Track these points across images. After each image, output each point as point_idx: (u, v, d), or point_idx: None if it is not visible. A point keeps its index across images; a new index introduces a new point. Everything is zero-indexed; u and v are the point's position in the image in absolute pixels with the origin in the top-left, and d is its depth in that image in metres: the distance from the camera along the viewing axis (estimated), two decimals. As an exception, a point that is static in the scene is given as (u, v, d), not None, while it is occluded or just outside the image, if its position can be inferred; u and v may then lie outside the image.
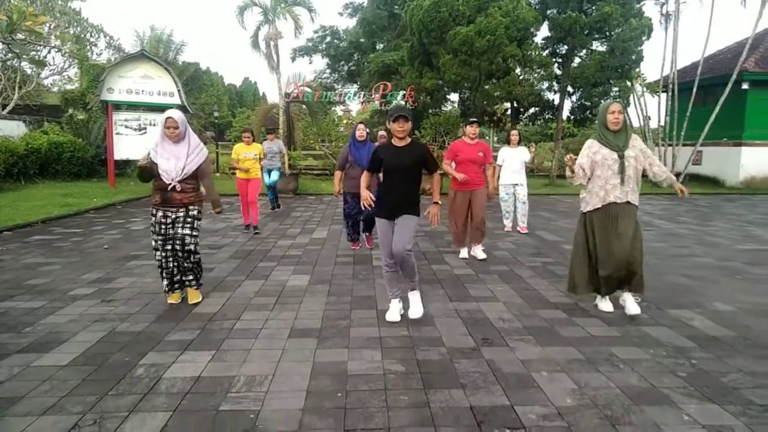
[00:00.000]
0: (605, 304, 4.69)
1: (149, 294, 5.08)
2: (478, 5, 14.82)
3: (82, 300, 4.88)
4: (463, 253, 6.84)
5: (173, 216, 4.60)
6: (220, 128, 44.04)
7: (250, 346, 3.78)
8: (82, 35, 22.36)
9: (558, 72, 16.98)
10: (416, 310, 4.49)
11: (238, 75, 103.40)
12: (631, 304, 4.57)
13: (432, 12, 14.75)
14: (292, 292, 5.21)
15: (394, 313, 4.44)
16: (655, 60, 75.62)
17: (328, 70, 29.31)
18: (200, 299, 4.86)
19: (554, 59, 16.96)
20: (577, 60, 17.03)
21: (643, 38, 15.21)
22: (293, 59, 27.80)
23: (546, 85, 17.12)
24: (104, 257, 6.73)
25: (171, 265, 4.65)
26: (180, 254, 4.62)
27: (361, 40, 26.19)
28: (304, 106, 21.68)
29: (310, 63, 44.87)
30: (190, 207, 4.64)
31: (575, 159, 4.57)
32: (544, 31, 17.27)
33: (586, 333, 4.11)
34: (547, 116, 18.71)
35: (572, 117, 17.95)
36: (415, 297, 4.56)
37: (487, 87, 15.94)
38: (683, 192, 4.60)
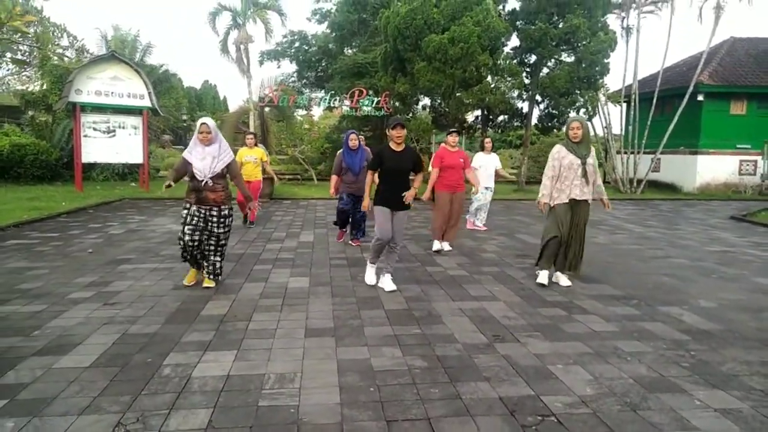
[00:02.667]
0: (563, 280, 5.70)
1: (152, 297, 5.04)
2: (452, 14, 15.15)
3: (83, 303, 4.81)
4: (437, 245, 7.50)
5: (207, 214, 5.15)
6: (178, 133, 42.91)
7: (270, 346, 3.83)
8: (41, 34, 21.61)
9: (527, 81, 17.51)
10: (390, 287, 5.37)
11: (196, 77, 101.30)
12: (564, 280, 5.69)
13: (408, 19, 14.99)
14: (296, 294, 5.26)
15: (371, 276, 5.55)
16: (616, 70, 78.45)
17: (295, 75, 29.17)
18: (213, 285, 5.39)
19: (523, 68, 17.49)
20: (545, 70, 17.59)
21: (609, 51, 15.87)
22: (261, 63, 27.52)
23: (516, 93, 17.61)
24: (91, 261, 6.60)
25: (195, 252, 5.21)
26: (213, 248, 5.30)
27: (330, 45, 26.20)
28: (267, 109, 21.54)
29: (278, 67, 44.43)
30: (222, 207, 5.13)
31: (545, 204, 5.64)
32: (512, 42, 17.78)
33: (589, 329, 4.33)
34: (515, 124, 19.24)
35: (540, 125, 18.53)
36: (388, 277, 5.48)
37: (459, 94, 16.28)
38: (607, 205, 5.75)
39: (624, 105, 19.96)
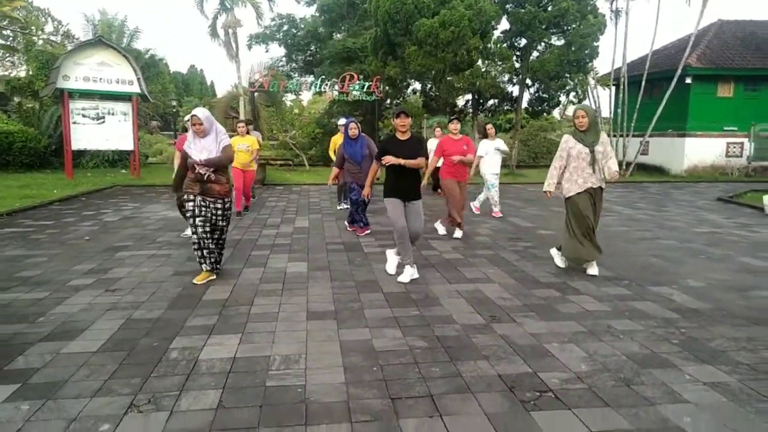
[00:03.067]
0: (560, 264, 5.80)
1: (152, 283, 5.10)
2: (442, -2, 15.12)
3: (84, 290, 4.86)
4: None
5: (212, 206, 5.06)
6: (166, 119, 42.37)
7: (273, 329, 3.92)
8: (27, 19, 21.24)
9: (517, 65, 17.54)
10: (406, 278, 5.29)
11: (182, 62, 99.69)
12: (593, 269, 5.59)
13: (398, 3, 14.94)
14: (295, 278, 5.34)
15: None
16: (605, 54, 78.15)
17: (284, 59, 28.95)
18: (203, 281, 5.12)
19: (513, 52, 17.51)
20: (535, 53, 17.63)
21: (599, 34, 15.93)
22: (249, 47, 27.29)
23: (506, 77, 17.65)
24: (89, 249, 6.62)
25: (211, 245, 5.12)
26: (215, 240, 5.18)
27: (320, 29, 26.00)
28: (257, 94, 21.39)
29: (267, 51, 43.99)
30: (225, 199, 5.10)
31: (551, 192, 5.71)
32: (502, 25, 17.76)
33: (582, 308, 4.46)
34: (506, 107, 19.30)
35: (530, 109, 18.61)
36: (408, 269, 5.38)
37: (450, 78, 16.29)
38: (612, 176, 5.55)
39: (613, 88, 20.07)
